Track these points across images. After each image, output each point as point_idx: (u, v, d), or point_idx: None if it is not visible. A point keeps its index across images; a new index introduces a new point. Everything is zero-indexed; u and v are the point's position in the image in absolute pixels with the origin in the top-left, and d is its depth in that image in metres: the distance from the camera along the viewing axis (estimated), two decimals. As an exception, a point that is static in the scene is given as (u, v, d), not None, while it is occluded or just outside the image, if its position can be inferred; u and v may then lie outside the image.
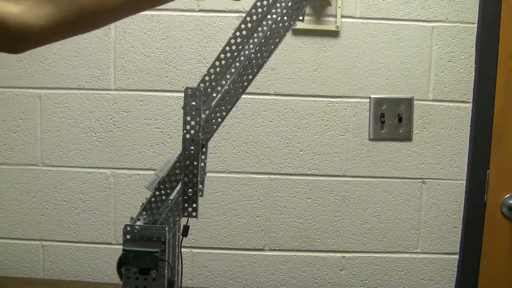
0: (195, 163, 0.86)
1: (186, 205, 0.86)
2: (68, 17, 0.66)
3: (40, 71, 1.58)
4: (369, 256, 1.62)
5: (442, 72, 1.57)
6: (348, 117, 1.58)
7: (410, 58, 1.56)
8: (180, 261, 1.05)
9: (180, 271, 1.06)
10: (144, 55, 1.56)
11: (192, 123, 0.85)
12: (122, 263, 0.83)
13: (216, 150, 1.58)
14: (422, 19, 1.55)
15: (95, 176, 1.60)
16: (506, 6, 1.53)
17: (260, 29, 0.91)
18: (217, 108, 0.87)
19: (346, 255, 1.62)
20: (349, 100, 1.57)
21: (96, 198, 1.61)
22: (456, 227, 1.61)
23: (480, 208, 1.59)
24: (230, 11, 1.55)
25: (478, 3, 1.54)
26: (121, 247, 0.84)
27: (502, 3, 1.53)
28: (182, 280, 1.06)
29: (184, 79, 1.57)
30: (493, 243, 1.60)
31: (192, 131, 0.85)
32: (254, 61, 0.86)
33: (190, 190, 0.85)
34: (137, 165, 1.59)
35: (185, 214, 0.86)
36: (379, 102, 1.57)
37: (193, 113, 0.85)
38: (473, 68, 1.57)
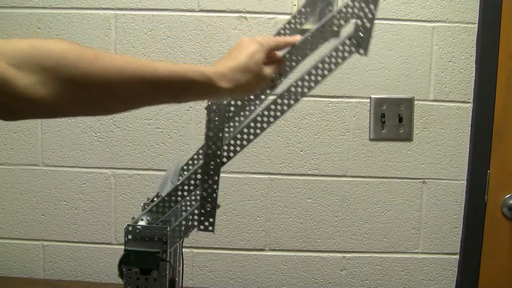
0: (215, 178, 0.86)
1: (202, 218, 0.86)
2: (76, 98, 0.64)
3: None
4: (370, 256, 1.62)
5: (442, 72, 1.57)
6: (348, 117, 1.58)
7: (410, 58, 1.56)
8: (181, 261, 1.05)
9: (181, 271, 1.06)
10: (145, 55, 1.56)
11: (214, 139, 0.85)
12: (123, 263, 0.83)
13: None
14: (422, 19, 1.55)
15: (95, 176, 1.60)
16: (507, 6, 1.53)
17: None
18: (245, 130, 0.87)
19: (347, 255, 1.62)
20: (350, 100, 1.57)
21: (97, 198, 1.61)
22: (456, 227, 1.61)
23: (481, 208, 1.59)
24: (230, 11, 1.55)
25: (478, 3, 1.54)
26: (122, 247, 0.84)
27: (503, 3, 1.53)
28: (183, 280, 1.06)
29: (185, 79, 1.56)
30: (493, 243, 1.60)
31: (214, 147, 0.85)
32: (290, 94, 0.87)
33: (208, 205, 0.86)
34: (138, 165, 1.59)
35: (202, 228, 0.87)
36: (379, 102, 1.57)
37: (216, 129, 0.85)
38: (474, 68, 1.57)
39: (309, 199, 1.60)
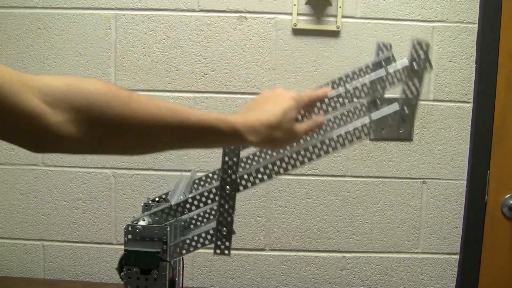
0: (231, 203, 0.86)
1: (219, 243, 0.86)
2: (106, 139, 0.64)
3: (41, 71, 1.58)
4: (370, 256, 1.62)
5: (442, 72, 1.57)
6: (348, 117, 1.58)
7: (410, 58, 1.56)
8: (181, 261, 1.05)
9: (181, 271, 1.06)
10: (145, 55, 1.56)
11: (230, 163, 0.85)
12: (123, 263, 0.83)
13: (217, 149, 1.58)
14: (422, 19, 1.55)
15: (95, 176, 1.60)
16: (507, 6, 1.53)
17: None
18: (270, 166, 0.87)
19: (347, 255, 1.62)
20: (350, 100, 1.57)
21: (97, 198, 1.61)
22: (456, 227, 1.61)
23: (481, 208, 1.59)
24: (230, 11, 1.55)
25: (478, 3, 1.54)
26: (122, 247, 0.83)
27: (503, 3, 1.53)
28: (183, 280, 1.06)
29: (185, 79, 1.56)
30: (493, 243, 1.60)
31: (230, 171, 0.85)
32: (323, 146, 0.86)
33: (224, 229, 0.86)
34: (138, 165, 1.59)
35: (218, 251, 0.86)
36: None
37: (232, 154, 0.85)
38: (474, 68, 1.57)
39: (309, 199, 1.60)
